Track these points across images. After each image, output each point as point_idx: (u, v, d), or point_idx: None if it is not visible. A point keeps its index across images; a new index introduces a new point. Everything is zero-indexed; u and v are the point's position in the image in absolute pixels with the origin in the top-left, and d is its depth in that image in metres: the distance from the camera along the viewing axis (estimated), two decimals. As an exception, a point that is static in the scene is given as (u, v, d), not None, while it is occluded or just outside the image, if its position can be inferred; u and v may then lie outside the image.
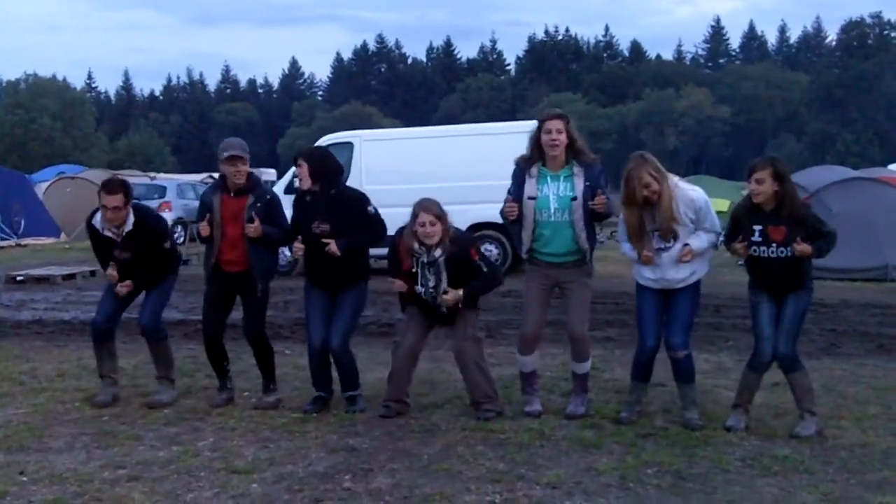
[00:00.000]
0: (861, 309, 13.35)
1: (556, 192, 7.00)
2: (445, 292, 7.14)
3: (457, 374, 7.55)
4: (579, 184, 6.97)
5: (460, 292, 7.14)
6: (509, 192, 7.19)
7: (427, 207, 7.12)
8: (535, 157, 7.08)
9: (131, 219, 7.53)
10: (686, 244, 6.73)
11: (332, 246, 7.22)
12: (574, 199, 6.95)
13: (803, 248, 6.47)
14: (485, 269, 7.27)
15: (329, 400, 7.61)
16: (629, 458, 6.17)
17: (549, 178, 7.04)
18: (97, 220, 7.63)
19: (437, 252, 7.13)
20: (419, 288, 7.23)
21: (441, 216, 7.12)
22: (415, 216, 7.13)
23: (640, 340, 7.11)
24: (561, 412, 7.28)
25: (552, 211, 7.01)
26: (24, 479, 5.87)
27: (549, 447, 6.46)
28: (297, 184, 7.48)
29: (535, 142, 7.06)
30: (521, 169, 7.13)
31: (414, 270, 7.21)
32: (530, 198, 7.02)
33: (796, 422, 6.72)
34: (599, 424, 6.98)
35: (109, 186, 7.49)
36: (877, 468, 5.94)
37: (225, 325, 7.87)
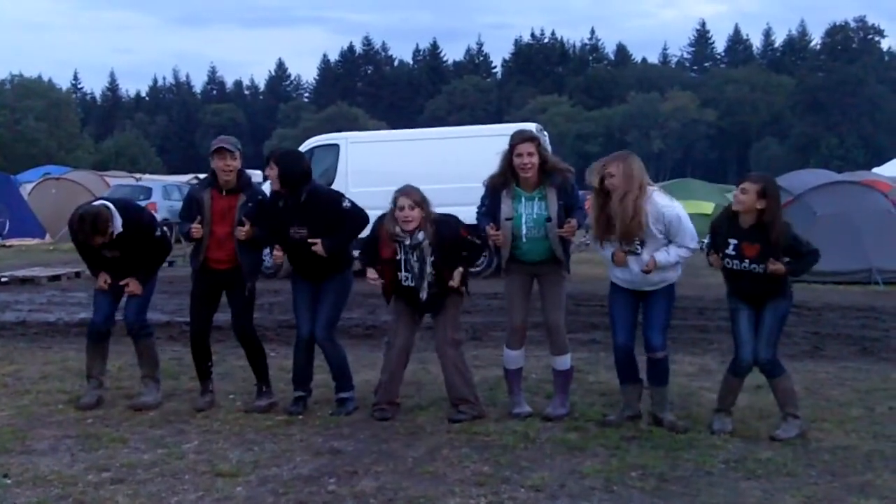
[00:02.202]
0: (845, 312, 13.41)
1: (531, 212, 7.09)
2: (443, 278, 7.16)
3: (442, 377, 7.56)
4: (553, 203, 7.05)
5: (459, 271, 7.18)
6: (480, 211, 7.31)
7: (407, 192, 7.18)
8: (507, 178, 7.12)
9: (119, 222, 7.44)
10: (651, 256, 6.77)
11: (319, 246, 7.23)
12: (549, 219, 7.03)
13: (776, 267, 6.54)
14: (478, 242, 7.34)
15: (308, 398, 7.63)
16: (613, 460, 6.19)
17: (523, 198, 7.11)
18: None
19: (421, 235, 7.15)
20: (402, 275, 7.24)
21: (421, 202, 7.16)
22: (394, 201, 7.17)
23: (612, 339, 7.18)
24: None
25: (527, 230, 7.10)
26: (8, 481, 5.85)
27: (533, 450, 6.47)
28: (267, 185, 7.41)
29: (507, 163, 7.11)
30: (496, 190, 7.18)
31: (398, 258, 7.23)
32: (507, 219, 7.09)
33: (779, 424, 6.75)
34: (584, 427, 7.00)
35: (97, 227, 7.25)
36: (860, 471, 5.97)
37: (212, 322, 7.85)
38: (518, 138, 7.12)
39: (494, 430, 6.90)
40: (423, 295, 7.24)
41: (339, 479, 5.87)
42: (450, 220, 7.34)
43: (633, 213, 6.64)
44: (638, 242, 6.77)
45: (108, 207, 7.38)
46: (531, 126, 18.43)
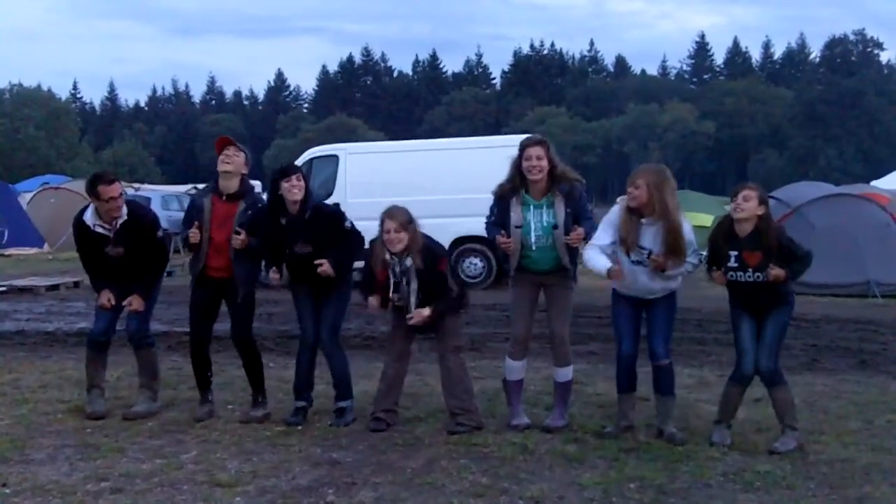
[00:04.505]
0: (843, 324, 13.39)
1: (539, 220, 7.08)
2: (410, 316, 7.16)
3: (440, 387, 7.56)
4: (560, 211, 7.05)
5: (426, 312, 7.15)
6: (489, 221, 7.30)
7: (392, 215, 7.13)
8: (516, 184, 7.13)
9: (124, 209, 7.52)
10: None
11: (327, 268, 7.24)
12: (556, 227, 7.04)
13: (777, 272, 6.55)
14: (453, 291, 7.31)
15: (309, 409, 7.64)
16: (612, 472, 6.19)
17: (532, 206, 7.11)
18: (88, 216, 7.57)
19: (409, 261, 7.13)
20: (394, 296, 7.23)
21: (406, 224, 7.11)
22: (381, 224, 7.15)
23: (616, 346, 7.18)
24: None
25: (536, 238, 7.09)
26: (7, 491, 5.85)
27: (532, 461, 6.47)
28: (291, 196, 7.33)
29: (517, 168, 7.12)
30: (504, 198, 7.18)
31: (390, 280, 7.23)
32: (517, 226, 7.09)
33: (778, 437, 6.75)
34: (582, 439, 6.99)
35: (106, 177, 7.48)
36: (858, 483, 5.97)
37: (212, 332, 7.85)
38: (528, 142, 7.16)
39: (493, 442, 6.90)
40: (410, 318, 7.22)
41: (338, 489, 5.87)
42: (434, 250, 7.30)
43: (678, 234, 6.74)
44: (646, 253, 6.80)
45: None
46: (531, 137, 18.53)
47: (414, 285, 7.15)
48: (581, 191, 7.22)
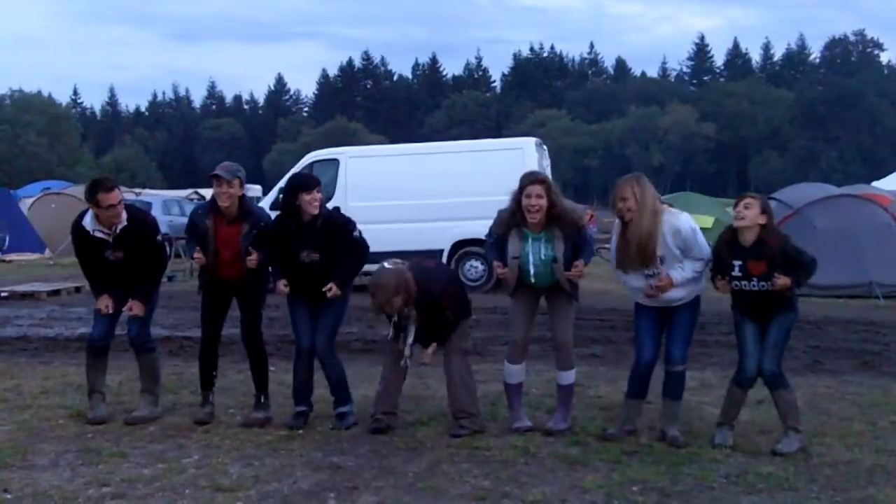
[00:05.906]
0: (845, 325, 13.39)
1: (538, 253, 7.09)
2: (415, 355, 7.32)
3: (442, 391, 7.56)
4: (560, 245, 7.05)
5: (431, 351, 7.35)
6: (488, 242, 7.36)
7: (381, 287, 7.06)
8: (516, 218, 7.12)
9: (124, 215, 7.51)
10: (667, 275, 6.79)
11: (334, 290, 7.30)
12: (555, 260, 7.05)
13: (783, 281, 6.55)
14: (451, 319, 7.35)
15: (310, 414, 7.63)
16: (614, 475, 6.18)
17: (530, 239, 7.10)
18: (87, 221, 7.56)
19: (407, 310, 7.21)
20: (401, 343, 7.33)
21: (398, 290, 7.03)
22: (372, 296, 7.14)
23: (637, 354, 7.16)
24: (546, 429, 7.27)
25: (535, 268, 7.10)
26: (9, 496, 5.84)
27: (534, 464, 6.46)
28: (312, 209, 7.34)
29: (517, 203, 7.10)
30: (503, 227, 7.18)
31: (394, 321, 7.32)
32: (514, 257, 7.10)
33: (781, 439, 6.74)
34: (584, 442, 6.99)
35: (105, 184, 7.44)
36: (861, 485, 5.96)
37: (222, 330, 7.88)
38: (528, 180, 7.12)
39: (495, 445, 6.89)
40: (407, 362, 7.36)
41: (340, 494, 5.86)
42: (431, 293, 7.24)
43: (647, 240, 6.71)
44: (654, 264, 6.81)
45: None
46: (531, 140, 18.47)
47: (411, 334, 7.28)
48: (583, 229, 7.24)
